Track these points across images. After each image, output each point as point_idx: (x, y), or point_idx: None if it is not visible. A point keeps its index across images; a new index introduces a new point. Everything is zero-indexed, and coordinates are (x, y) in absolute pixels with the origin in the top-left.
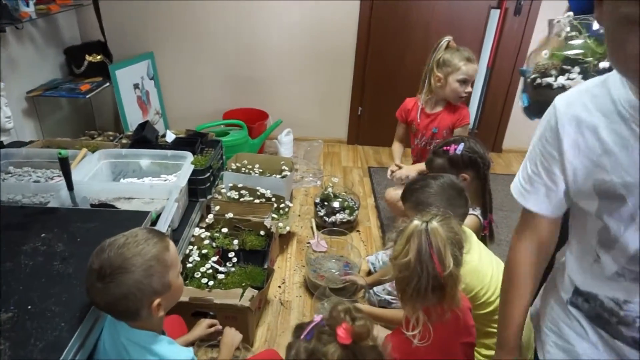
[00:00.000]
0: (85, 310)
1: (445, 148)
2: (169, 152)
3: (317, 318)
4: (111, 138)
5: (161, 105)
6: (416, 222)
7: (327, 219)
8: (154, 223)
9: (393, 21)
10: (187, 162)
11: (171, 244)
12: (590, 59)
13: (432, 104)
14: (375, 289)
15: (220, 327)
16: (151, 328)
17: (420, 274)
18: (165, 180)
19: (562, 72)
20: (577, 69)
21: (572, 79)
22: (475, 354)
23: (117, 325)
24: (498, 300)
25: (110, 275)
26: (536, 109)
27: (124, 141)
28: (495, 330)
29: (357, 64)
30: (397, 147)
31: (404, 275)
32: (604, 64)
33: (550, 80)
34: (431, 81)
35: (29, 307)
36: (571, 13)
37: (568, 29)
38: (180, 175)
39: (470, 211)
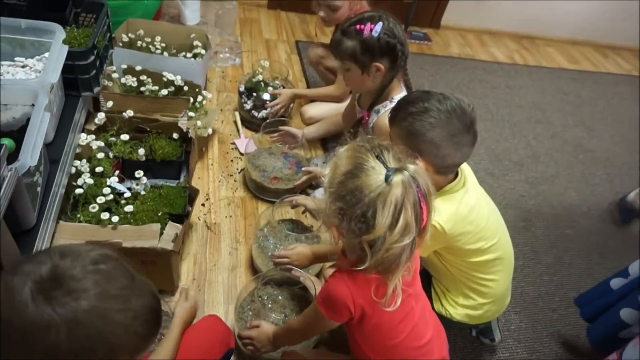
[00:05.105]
0: None
1: (358, 27)
2: (23, 22)
3: None
4: None
5: None
6: (398, 177)
7: (255, 114)
8: (13, 156)
9: None
10: (56, 41)
11: None
12: None
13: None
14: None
15: None
16: None
17: (414, 234)
18: (23, 67)
19: None
20: None
21: None
22: (452, 302)
23: None
24: (491, 250)
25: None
26: None
27: None
28: (480, 281)
29: None
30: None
31: (394, 252)
32: None
33: None
34: None
35: None
36: None
37: None
38: (48, 64)
39: None
